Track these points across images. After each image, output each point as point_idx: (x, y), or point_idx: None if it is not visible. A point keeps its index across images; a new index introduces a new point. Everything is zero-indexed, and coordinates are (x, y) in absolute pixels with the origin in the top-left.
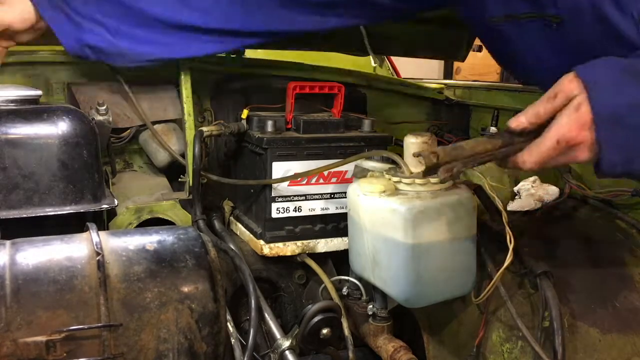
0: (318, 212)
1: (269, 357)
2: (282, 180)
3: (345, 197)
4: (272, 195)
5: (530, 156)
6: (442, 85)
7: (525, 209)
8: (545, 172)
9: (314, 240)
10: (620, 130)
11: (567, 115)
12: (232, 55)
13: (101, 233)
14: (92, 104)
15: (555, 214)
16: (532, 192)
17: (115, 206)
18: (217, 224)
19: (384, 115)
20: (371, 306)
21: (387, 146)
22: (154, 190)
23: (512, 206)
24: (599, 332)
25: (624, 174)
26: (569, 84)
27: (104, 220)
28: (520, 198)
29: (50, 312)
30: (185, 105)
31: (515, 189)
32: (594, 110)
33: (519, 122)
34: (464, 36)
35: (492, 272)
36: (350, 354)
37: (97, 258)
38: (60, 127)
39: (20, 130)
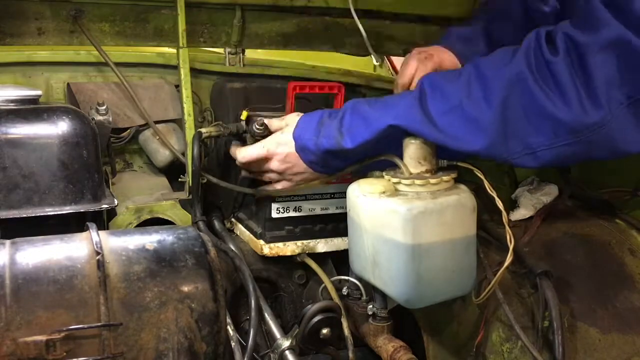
0: (318, 212)
1: (269, 357)
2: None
3: (345, 197)
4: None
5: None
6: None
7: (527, 217)
8: (545, 173)
9: (314, 240)
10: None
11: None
12: (232, 55)
13: (101, 233)
14: (92, 104)
15: (555, 214)
16: (529, 198)
17: (115, 206)
18: (217, 224)
19: None
20: (371, 306)
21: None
22: (154, 190)
23: (513, 216)
24: (599, 332)
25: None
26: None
27: (104, 220)
28: (519, 207)
29: (50, 311)
30: (185, 105)
31: (513, 196)
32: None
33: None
34: None
35: (492, 272)
36: (350, 354)
37: (97, 257)
38: (60, 127)
39: (20, 130)
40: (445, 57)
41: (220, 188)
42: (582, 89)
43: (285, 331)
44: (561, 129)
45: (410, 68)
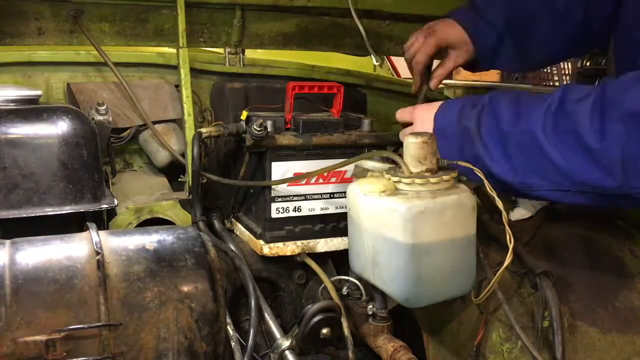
0: (318, 212)
1: (269, 357)
2: (282, 182)
3: (345, 197)
4: (272, 195)
5: None
6: (442, 85)
7: (526, 217)
8: None
9: (314, 240)
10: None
11: None
12: (232, 55)
13: (101, 233)
14: (92, 104)
15: (555, 214)
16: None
17: (115, 206)
18: (217, 224)
19: (383, 115)
20: (371, 306)
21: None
22: (154, 190)
23: (513, 216)
24: (599, 332)
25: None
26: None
27: (104, 220)
28: (518, 207)
29: (50, 311)
30: (185, 105)
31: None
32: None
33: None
34: None
35: (492, 272)
36: (350, 354)
37: (97, 257)
38: (60, 127)
39: (20, 130)
40: (450, 33)
41: (220, 188)
42: None
43: (285, 331)
44: None
45: (414, 45)
